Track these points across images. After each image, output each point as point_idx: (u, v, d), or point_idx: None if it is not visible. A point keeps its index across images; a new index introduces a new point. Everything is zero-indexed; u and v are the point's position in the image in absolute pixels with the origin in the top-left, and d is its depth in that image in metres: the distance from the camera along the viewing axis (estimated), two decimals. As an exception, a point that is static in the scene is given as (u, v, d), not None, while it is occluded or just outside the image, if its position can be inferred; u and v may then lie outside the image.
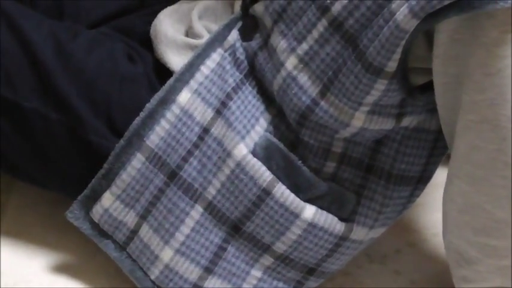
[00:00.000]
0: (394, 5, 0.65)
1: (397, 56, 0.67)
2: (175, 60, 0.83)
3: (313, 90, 0.73)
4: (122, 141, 0.80)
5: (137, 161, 0.79)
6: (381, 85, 0.69)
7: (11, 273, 0.90)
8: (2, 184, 0.97)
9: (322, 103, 0.73)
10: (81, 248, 0.90)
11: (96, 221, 0.83)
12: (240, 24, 0.81)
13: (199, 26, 0.85)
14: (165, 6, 0.90)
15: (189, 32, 0.86)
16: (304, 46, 0.73)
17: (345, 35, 0.70)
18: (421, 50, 0.68)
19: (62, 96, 0.81)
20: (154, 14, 0.89)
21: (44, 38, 0.82)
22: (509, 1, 0.59)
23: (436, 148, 0.79)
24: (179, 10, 0.88)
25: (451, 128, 0.71)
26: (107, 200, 0.81)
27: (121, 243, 0.84)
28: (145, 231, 0.82)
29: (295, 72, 0.74)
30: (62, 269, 0.91)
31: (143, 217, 0.81)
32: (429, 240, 0.99)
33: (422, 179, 0.81)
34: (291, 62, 0.74)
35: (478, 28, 0.62)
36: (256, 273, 0.83)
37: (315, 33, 0.72)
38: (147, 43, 0.88)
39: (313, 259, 0.82)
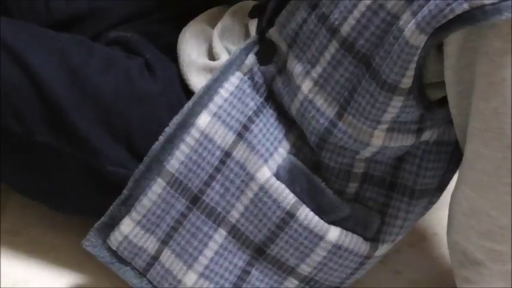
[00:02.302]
0: (401, 22, 0.65)
1: (410, 72, 0.66)
2: (196, 81, 0.83)
3: (330, 112, 0.73)
4: (141, 167, 0.79)
5: (158, 186, 0.79)
6: (397, 102, 0.69)
7: (11, 273, 0.90)
8: (2, 184, 0.97)
9: (340, 124, 0.72)
10: (81, 247, 0.90)
11: (114, 248, 0.82)
12: (256, 48, 0.80)
13: (219, 46, 0.84)
14: (185, 8, 0.90)
15: (211, 51, 0.85)
16: (318, 69, 0.72)
17: (357, 55, 0.69)
18: (436, 64, 0.68)
19: (75, 129, 0.80)
20: (176, 18, 0.89)
21: (54, 68, 0.80)
22: None
23: (453, 156, 0.79)
24: (203, 31, 0.87)
25: (466, 134, 0.71)
26: (127, 226, 0.80)
27: (141, 270, 0.82)
28: (166, 257, 0.81)
29: (311, 96, 0.73)
30: (62, 269, 0.91)
31: (165, 242, 0.80)
32: (429, 240, 0.99)
33: (440, 187, 0.81)
34: (306, 86, 0.74)
35: (483, 37, 0.62)
36: None
37: (327, 56, 0.71)
38: (171, 50, 0.87)
39: (338, 279, 0.82)
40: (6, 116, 0.80)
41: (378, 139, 0.72)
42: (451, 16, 0.61)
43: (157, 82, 0.84)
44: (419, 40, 0.64)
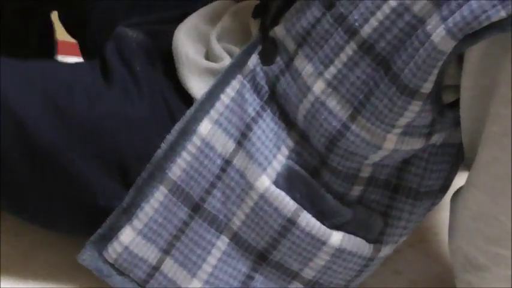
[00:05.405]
0: (429, 26, 0.64)
1: (433, 77, 0.65)
2: (196, 86, 0.81)
3: (343, 114, 0.71)
4: (143, 174, 0.78)
5: (160, 194, 0.78)
6: (415, 106, 0.68)
7: (11, 273, 0.90)
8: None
9: (353, 127, 0.71)
10: (81, 248, 0.90)
11: (112, 261, 0.80)
12: (259, 48, 0.79)
13: (218, 48, 0.83)
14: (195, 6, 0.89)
15: (210, 54, 0.84)
16: (332, 70, 0.71)
17: (377, 58, 0.68)
18: (454, 68, 0.67)
19: (67, 171, 0.79)
20: (184, 17, 0.87)
21: (39, 109, 0.78)
22: None
23: (457, 158, 0.78)
24: (197, 28, 0.86)
25: (473, 138, 0.71)
26: (127, 235, 0.79)
27: (139, 282, 0.81)
28: (169, 266, 0.80)
29: (323, 97, 0.72)
30: (62, 269, 0.90)
31: (166, 252, 0.80)
32: (429, 240, 0.99)
33: (443, 189, 0.80)
34: (318, 87, 0.72)
35: (507, 44, 0.61)
36: None
37: (344, 57, 0.70)
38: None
39: (343, 281, 0.82)
40: None
41: (391, 143, 0.72)
42: (486, 23, 0.60)
43: (143, 102, 0.81)
44: (448, 46, 0.63)
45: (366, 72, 0.69)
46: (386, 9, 0.66)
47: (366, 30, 0.68)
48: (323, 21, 0.71)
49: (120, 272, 0.81)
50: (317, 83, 0.72)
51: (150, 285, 0.81)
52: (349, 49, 0.69)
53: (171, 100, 0.82)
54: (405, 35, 0.66)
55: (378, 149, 0.72)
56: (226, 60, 0.81)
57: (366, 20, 0.67)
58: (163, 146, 0.78)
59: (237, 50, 0.82)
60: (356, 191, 0.77)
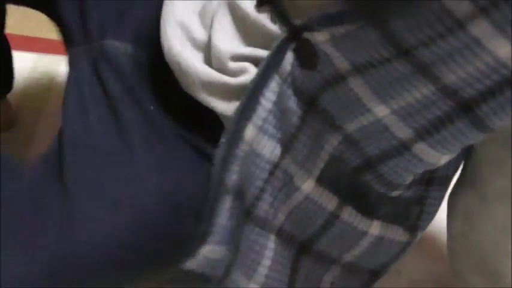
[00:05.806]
0: None
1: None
2: (222, 104, 0.78)
3: (405, 137, 0.68)
4: (211, 196, 0.78)
5: (227, 203, 0.79)
6: (485, 135, 0.66)
7: (12, 274, 0.89)
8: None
9: (413, 149, 0.69)
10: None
11: (192, 267, 0.82)
12: (293, 46, 0.73)
13: (234, 64, 0.77)
14: None
15: (216, 67, 0.78)
16: (401, 102, 0.67)
17: (458, 101, 0.64)
18: None
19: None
20: None
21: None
22: None
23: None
24: (188, 33, 0.80)
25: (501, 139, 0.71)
26: (205, 249, 0.81)
27: (217, 281, 0.83)
28: (234, 268, 0.81)
29: (386, 120, 0.68)
30: (62, 269, 0.90)
31: (233, 253, 0.81)
32: (429, 240, 0.99)
33: (456, 172, 0.81)
34: (381, 111, 0.68)
35: None
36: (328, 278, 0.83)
37: (417, 94, 0.66)
38: None
39: (379, 263, 0.83)
40: None
41: (445, 159, 0.71)
42: None
43: (173, 164, 0.80)
44: None
45: (443, 110, 0.66)
46: (479, 63, 0.62)
47: (450, 78, 0.64)
48: (395, 64, 0.66)
49: (200, 274, 0.83)
50: (379, 107, 0.68)
51: (224, 285, 0.83)
52: (426, 89, 0.65)
53: (190, 136, 0.81)
54: (497, 86, 0.63)
55: (431, 166, 0.71)
56: (250, 70, 0.77)
57: (453, 71, 0.63)
58: (216, 160, 0.77)
59: (248, 50, 0.78)
60: (395, 193, 0.76)
